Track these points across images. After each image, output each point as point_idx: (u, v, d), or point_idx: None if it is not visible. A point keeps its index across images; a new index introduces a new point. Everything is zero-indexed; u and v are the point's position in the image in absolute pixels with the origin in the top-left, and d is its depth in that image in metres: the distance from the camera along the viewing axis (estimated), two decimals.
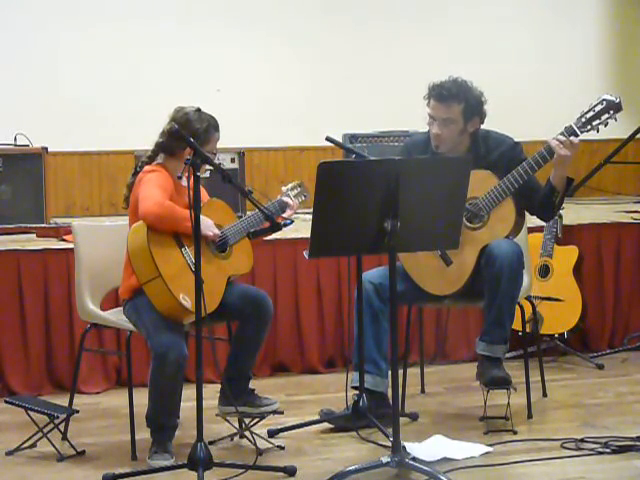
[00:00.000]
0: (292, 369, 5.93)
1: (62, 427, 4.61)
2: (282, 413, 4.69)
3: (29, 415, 4.51)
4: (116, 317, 4.63)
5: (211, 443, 4.37)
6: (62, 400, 4.89)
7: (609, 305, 6.28)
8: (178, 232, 4.36)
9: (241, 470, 4.08)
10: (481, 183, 4.65)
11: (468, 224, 4.70)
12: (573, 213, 6.57)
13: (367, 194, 3.93)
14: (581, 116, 4.62)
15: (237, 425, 4.56)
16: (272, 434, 4.60)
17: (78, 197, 7.34)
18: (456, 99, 4.72)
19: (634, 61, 8.26)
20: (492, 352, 4.68)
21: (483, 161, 4.72)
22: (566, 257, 6.06)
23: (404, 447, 4.10)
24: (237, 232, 4.54)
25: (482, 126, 4.83)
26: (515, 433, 4.60)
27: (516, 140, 4.87)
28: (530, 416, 4.86)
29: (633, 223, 6.38)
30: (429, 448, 4.36)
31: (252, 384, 4.69)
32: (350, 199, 3.92)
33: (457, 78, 4.78)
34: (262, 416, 4.57)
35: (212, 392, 4.70)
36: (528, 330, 5.22)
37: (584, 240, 6.23)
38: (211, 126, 4.51)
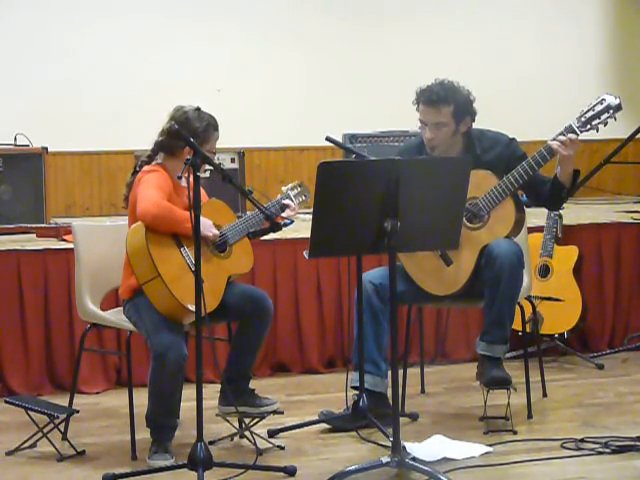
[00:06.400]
0: (292, 369, 5.92)
1: (62, 427, 4.60)
2: (282, 413, 4.69)
3: (29, 415, 4.51)
4: (116, 317, 4.63)
5: (211, 443, 4.37)
6: (62, 400, 4.88)
7: (609, 305, 6.28)
8: (176, 232, 4.36)
9: (241, 470, 4.07)
10: (481, 183, 4.64)
11: (468, 224, 4.69)
12: (573, 213, 6.57)
13: (367, 194, 3.93)
14: (581, 115, 4.62)
15: (237, 425, 4.55)
16: (272, 434, 4.60)
17: (78, 197, 7.34)
18: (445, 102, 4.69)
19: (634, 61, 8.26)
20: (492, 352, 4.68)
21: (479, 161, 4.71)
22: (566, 257, 6.06)
23: (404, 447, 4.09)
24: (237, 232, 4.54)
25: (475, 125, 4.81)
26: (515, 433, 4.60)
27: (513, 138, 4.85)
28: (530, 416, 4.86)
29: (633, 223, 6.38)
30: (429, 448, 4.36)
31: (252, 384, 4.69)
32: (350, 199, 3.92)
33: (443, 80, 4.75)
34: (262, 416, 4.56)
35: (212, 392, 4.70)
36: (528, 330, 5.21)
37: (584, 240, 6.23)
38: (210, 125, 4.51)
